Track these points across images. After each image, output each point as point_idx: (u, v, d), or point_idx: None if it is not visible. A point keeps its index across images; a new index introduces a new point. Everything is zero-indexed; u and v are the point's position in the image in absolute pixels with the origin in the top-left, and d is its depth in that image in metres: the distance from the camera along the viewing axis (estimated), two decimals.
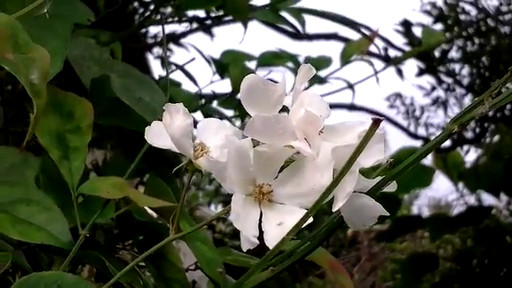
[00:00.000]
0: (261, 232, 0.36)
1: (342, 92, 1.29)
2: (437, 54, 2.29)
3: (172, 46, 1.30)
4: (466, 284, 1.88)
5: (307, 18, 1.08)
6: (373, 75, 1.24)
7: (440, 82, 2.42)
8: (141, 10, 1.31)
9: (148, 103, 0.67)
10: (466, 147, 2.31)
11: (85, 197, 0.62)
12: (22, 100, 0.78)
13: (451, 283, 1.93)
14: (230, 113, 1.18)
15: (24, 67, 0.37)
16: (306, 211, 0.35)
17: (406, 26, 2.11)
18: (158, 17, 1.12)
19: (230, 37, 1.27)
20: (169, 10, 1.24)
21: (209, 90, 1.13)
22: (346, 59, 1.22)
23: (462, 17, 2.36)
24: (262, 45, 1.25)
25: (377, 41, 1.33)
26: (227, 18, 1.09)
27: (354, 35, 1.36)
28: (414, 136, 2.42)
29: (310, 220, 0.34)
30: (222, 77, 1.13)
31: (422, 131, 2.55)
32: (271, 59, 1.17)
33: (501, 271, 1.86)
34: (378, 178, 0.38)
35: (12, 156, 0.59)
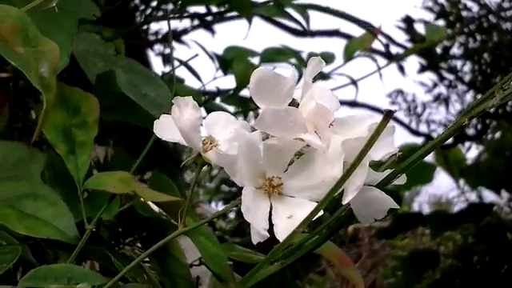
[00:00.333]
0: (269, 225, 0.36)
1: (344, 88, 1.29)
2: (438, 50, 2.29)
3: (174, 43, 1.29)
4: (466, 281, 1.89)
5: (310, 14, 1.08)
6: (375, 71, 1.24)
7: (442, 78, 2.42)
8: (142, 7, 1.31)
9: (153, 99, 0.67)
10: (467, 144, 2.31)
11: (90, 192, 0.62)
12: (25, 96, 0.78)
13: (452, 280, 1.93)
14: (232, 109, 1.18)
15: (34, 61, 0.37)
16: (316, 204, 0.35)
17: (408, 22, 2.11)
18: (160, 13, 1.12)
19: (232, 34, 1.27)
20: (170, 6, 1.24)
21: (212, 87, 1.13)
22: (349, 56, 1.21)
23: (464, 13, 2.36)
24: (264, 42, 1.24)
25: (379, 37, 1.33)
26: (230, 15, 1.09)
27: (355, 32, 1.36)
28: (416, 133, 2.42)
29: (321, 213, 0.34)
30: (226, 73, 1.13)
31: (423, 128, 2.55)
32: (274, 55, 1.16)
33: (502, 268, 1.87)
34: (387, 172, 0.38)
35: (18, 151, 0.59)
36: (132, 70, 0.70)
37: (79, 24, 0.62)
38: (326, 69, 1.20)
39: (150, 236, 0.72)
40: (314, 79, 0.39)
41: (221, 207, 2.68)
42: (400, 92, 2.61)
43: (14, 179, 0.56)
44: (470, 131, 2.32)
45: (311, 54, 1.21)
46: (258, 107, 0.37)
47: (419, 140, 2.34)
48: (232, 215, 2.42)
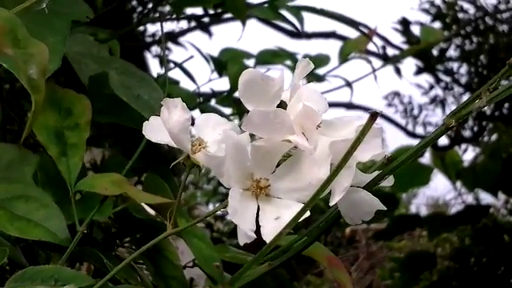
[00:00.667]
0: (258, 227, 0.36)
1: (340, 90, 1.29)
2: (435, 52, 2.29)
3: (170, 44, 1.30)
4: (463, 282, 1.89)
5: (305, 16, 1.08)
6: (371, 73, 1.24)
7: (438, 80, 2.42)
8: (139, 9, 1.31)
9: (147, 101, 0.67)
10: (463, 146, 2.31)
11: (82, 194, 0.62)
12: (20, 98, 0.78)
13: (449, 282, 1.93)
14: (227, 111, 1.18)
15: (23, 62, 0.37)
16: (303, 205, 0.35)
17: (404, 24, 2.11)
18: (157, 15, 1.13)
19: (228, 36, 1.27)
20: (167, 8, 1.24)
21: (207, 89, 1.13)
22: (344, 57, 1.22)
23: (460, 15, 2.36)
24: (260, 43, 1.25)
25: (375, 39, 1.33)
26: (225, 16, 1.09)
27: (352, 34, 1.37)
28: (412, 135, 2.42)
29: (307, 214, 0.34)
30: (221, 75, 1.13)
31: (420, 130, 2.55)
32: (270, 57, 1.17)
33: (498, 270, 1.87)
34: (375, 173, 0.38)
35: (10, 153, 0.59)
36: (125, 72, 0.70)
37: (74, 26, 0.62)
38: (321, 71, 1.20)
39: (144, 238, 0.72)
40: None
41: None
42: (397, 94, 2.61)
43: (6, 181, 0.56)
44: (467, 133, 2.32)
45: (306, 56, 1.21)
46: None
47: (416, 142, 2.34)
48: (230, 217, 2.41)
